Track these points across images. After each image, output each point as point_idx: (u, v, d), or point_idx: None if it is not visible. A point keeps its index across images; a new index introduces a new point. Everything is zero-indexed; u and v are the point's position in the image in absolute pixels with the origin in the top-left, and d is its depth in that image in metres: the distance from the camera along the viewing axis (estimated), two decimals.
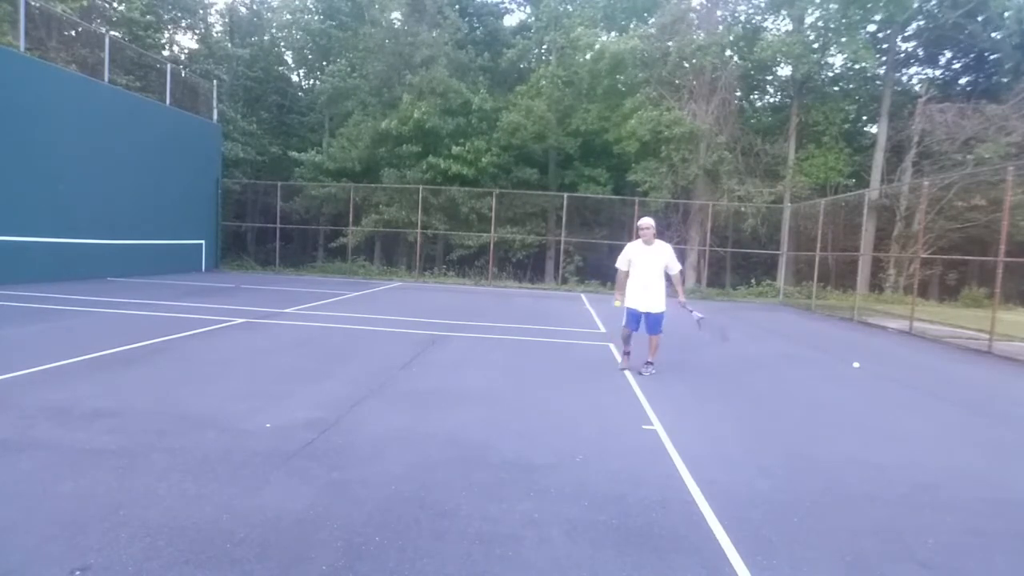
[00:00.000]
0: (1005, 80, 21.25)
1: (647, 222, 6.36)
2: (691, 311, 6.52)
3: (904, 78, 24.06)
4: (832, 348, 9.58)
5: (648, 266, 6.29)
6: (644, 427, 4.59)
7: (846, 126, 21.87)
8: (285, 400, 4.73)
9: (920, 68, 24.61)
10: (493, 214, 20.63)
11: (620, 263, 6.51)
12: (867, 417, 5.32)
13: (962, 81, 24.11)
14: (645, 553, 2.60)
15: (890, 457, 4.17)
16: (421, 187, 20.90)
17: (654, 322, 6.36)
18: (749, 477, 3.65)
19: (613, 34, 22.25)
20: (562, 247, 21.16)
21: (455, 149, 21.58)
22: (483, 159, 21.75)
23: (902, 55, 23.03)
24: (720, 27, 20.95)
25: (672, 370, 6.66)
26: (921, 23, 21.93)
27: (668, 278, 6.43)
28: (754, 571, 2.54)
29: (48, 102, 12.82)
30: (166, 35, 23.13)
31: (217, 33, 26.34)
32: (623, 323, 6.56)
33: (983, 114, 19.16)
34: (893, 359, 8.80)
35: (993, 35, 21.25)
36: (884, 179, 20.88)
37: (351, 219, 21.74)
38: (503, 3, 28.12)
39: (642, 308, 6.32)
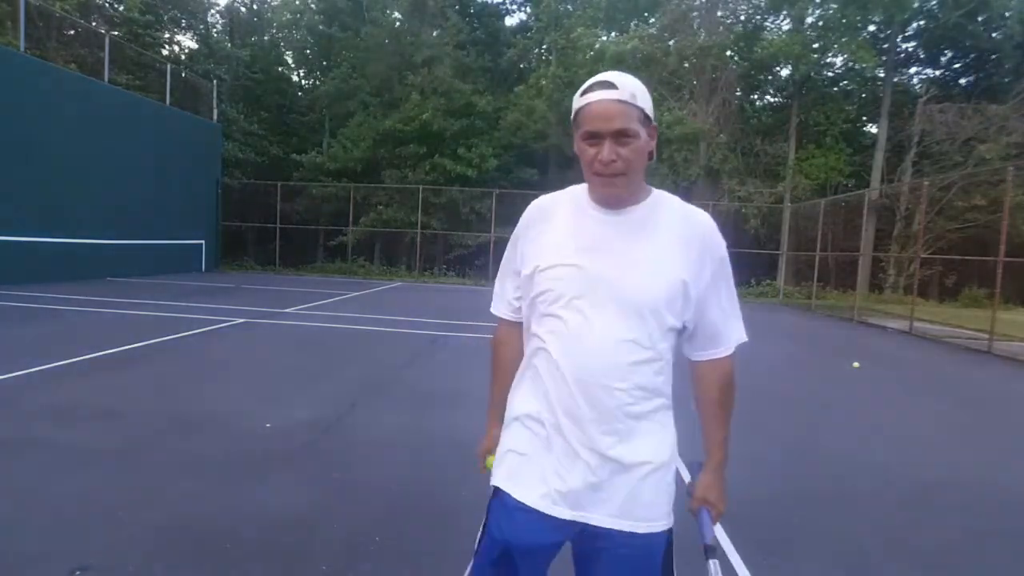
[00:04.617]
0: (1005, 80, 21.25)
1: (609, 102, 1.16)
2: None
3: (904, 78, 24.06)
4: (832, 348, 9.57)
5: (611, 298, 1.11)
6: None
7: (846, 126, 21.87)
8: (285, 400, 4.73)
9: (920, 68, 24.62)
10: (493, 214, 20.63)
11: (501, 299, 1.45)
12: (867, 417, 5.31)
13: (962, 81, 24.09)
14: None
15: (890, 457, 4.16)
16: (421, 187, 20.91)
17: None
18: (749, 477, 3.64)
19: (614, 34, 22.25)
20: None
21: (461, 152, 21.58)
22: (487, 162, 21.76)
23: (902, 55, 23.02)
24: (721, 27, 20.94)
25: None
26: (921, 23, 21.93)
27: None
28: (754, 571, 2.54)
29: (48, 102, 12.81)
30: (166, 35, 23.13)
31: (217, 33, 26.34)
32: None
33: (983, 114, 19.17)
34: (893, 359, 8.79)
35: (993, 35, 21.25)
36: (884, 179, 20.87)
37: (351, 219, 21.73)
38: (503, 3, 28.14)
39: (556, 509, 1.17)
